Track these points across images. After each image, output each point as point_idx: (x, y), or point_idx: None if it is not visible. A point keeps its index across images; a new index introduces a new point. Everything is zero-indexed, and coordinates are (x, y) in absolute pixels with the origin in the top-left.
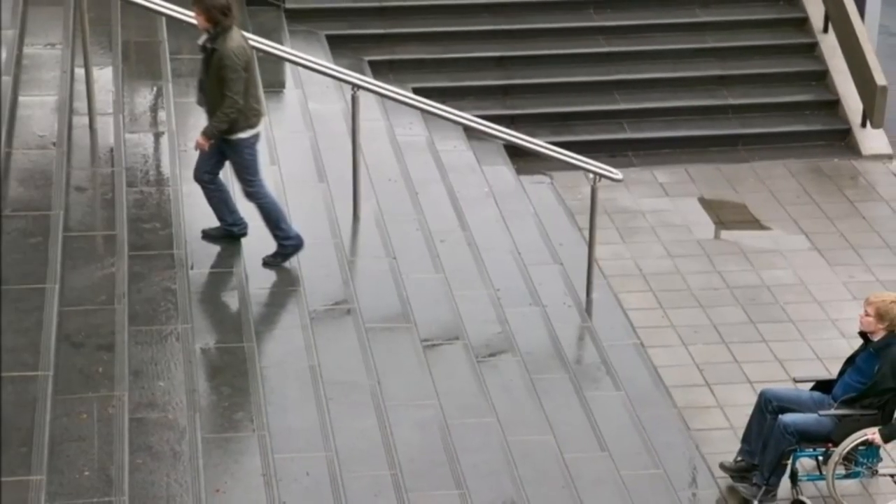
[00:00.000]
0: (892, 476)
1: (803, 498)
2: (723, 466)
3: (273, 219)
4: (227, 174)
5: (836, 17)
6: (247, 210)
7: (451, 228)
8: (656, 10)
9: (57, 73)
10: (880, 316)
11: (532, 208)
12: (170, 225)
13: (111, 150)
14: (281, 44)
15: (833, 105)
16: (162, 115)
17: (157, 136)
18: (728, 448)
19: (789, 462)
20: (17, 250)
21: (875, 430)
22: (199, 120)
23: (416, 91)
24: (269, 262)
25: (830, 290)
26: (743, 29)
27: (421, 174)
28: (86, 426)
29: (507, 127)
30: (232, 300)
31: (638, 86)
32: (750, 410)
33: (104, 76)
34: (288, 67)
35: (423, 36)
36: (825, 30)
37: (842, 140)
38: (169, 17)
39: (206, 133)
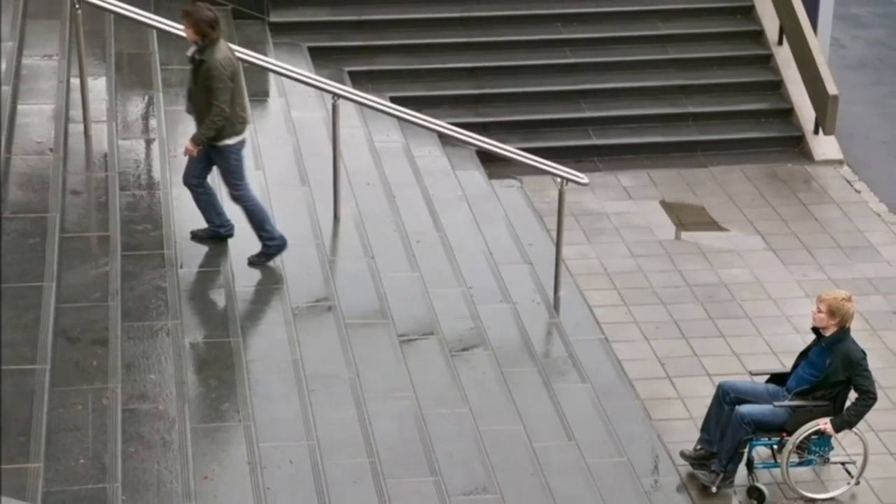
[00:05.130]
0: (843, 464)
1: (759, 484)
2: (683, 455)
3: (258, 221)
4: (214, 178)
5: (791, 31)
6: (233, 212)
7: (426, 230)
8: (620, 23)
9: (54, 83)
10: (832, 312)
11: (503, 211)
12: (160, 226)
13: (105, 155)
14: (265, 55)
15: (787, 113)
16: (153, 122)
17: (149, 142)
18: (688, 437)
19: (746, 450)
20: (16, 250)
21: (827, 420)
22: (188, 127)
23: (394, 100)
24: (254, 262)
25: (785, 288)
26: (702, 41)
27: (398, 178)
28: (81, 416)
29: (480, 134)
30: (219, 297)
31: (603, 95)
32: (709, 402)
33: (98, 86)
34: (272, 78)
35: (400, 48)
36: (780, 42)
37: (795, 146)
38: (160, 31)
39: (195, 139)
